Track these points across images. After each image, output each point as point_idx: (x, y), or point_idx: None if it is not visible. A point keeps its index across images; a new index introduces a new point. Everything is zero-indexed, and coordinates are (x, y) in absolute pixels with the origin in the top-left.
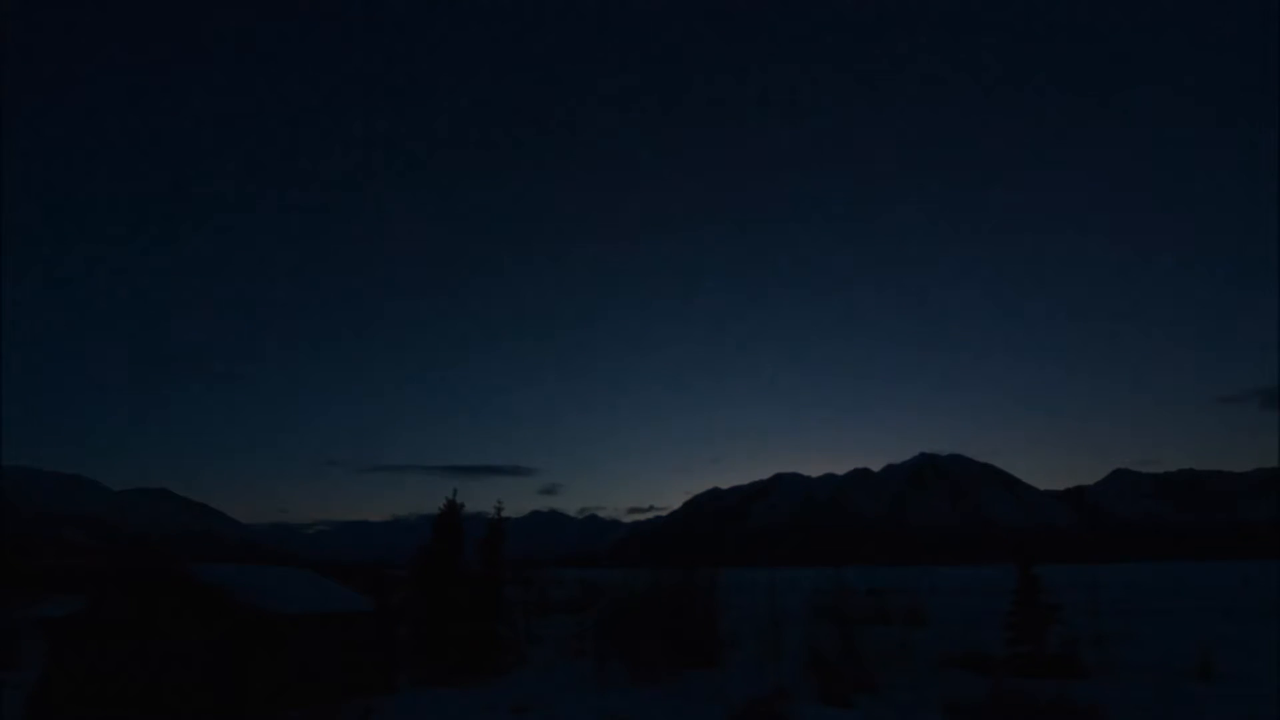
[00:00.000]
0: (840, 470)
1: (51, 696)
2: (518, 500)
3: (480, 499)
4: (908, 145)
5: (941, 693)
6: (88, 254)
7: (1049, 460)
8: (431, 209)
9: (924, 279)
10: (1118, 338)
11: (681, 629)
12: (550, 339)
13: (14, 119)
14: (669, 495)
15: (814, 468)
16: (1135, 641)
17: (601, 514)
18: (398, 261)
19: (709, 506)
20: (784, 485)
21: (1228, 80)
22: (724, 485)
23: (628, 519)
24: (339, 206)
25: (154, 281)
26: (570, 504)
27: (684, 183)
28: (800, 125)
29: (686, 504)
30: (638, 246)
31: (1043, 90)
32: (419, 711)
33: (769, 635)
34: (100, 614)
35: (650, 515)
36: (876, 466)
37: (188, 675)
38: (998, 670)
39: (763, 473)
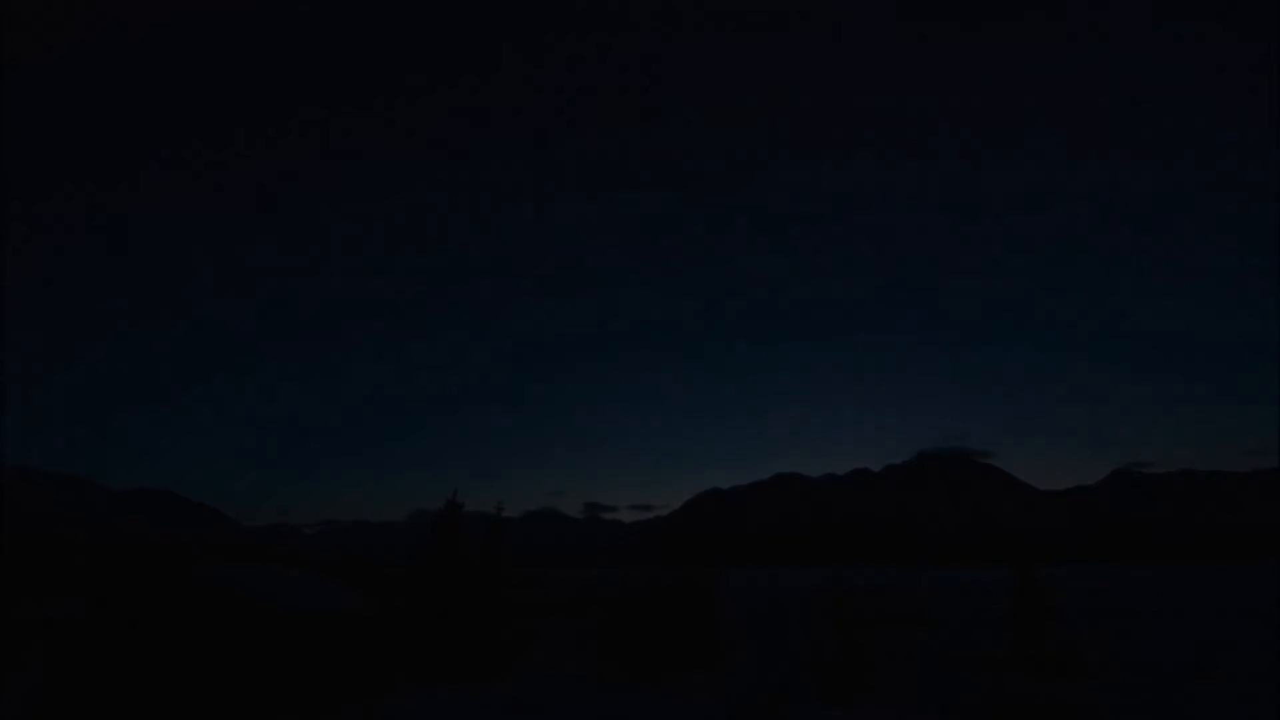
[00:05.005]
0: (840, 470)
1: (52, 698)
2: (519, 500)
3: (481, 499)
4: (908, 146)
5: (941, 693)
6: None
7: (1049, 460)
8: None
9: (924, 281)
10: (1117, 339)
11: (682, 629)
12: (552, 341)
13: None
14: (669, 495)
15: (814, 468)
16: (1135, 641)
17: (602, 514)
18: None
19: (709, 506)
20: (784, 485)
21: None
22: (724, 485)
23: (629, 519)
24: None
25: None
26: (571, 503)
27: (685, 189)
28: (800, 127)
29: (686, 504)
30: (639, 251)
31: (1046, 90)
32: (419, 711)
33: (769, 635)
34: (101, 615)
35: (651, 515)
36: (876, 466)
37: (188, 676)
38: (998, 670)
39: (763, 473)
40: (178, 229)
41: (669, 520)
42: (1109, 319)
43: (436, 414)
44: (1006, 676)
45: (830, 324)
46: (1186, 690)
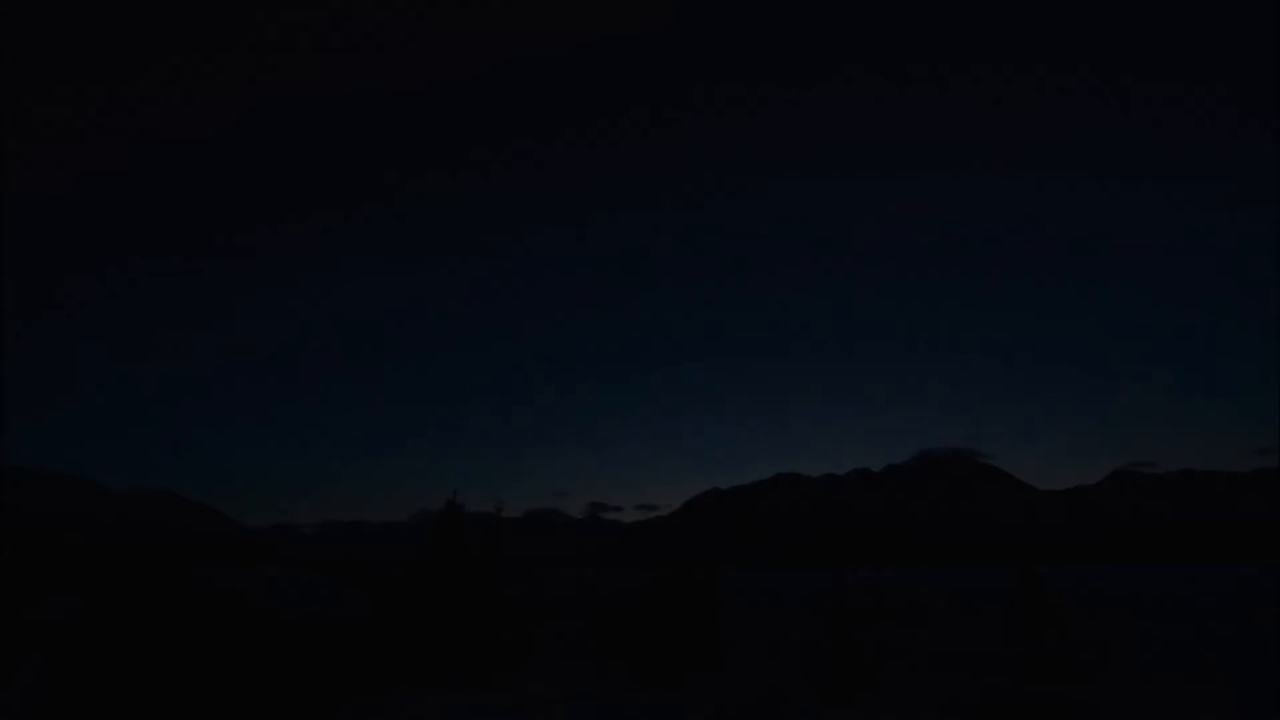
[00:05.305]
0: (840, 470)
1: (52, 698)
2: (524, 500)
3: (487, 500)
4: (910, 146)
5: (941, 693)
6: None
7: (1049, 460)
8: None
9: (925, 280)
10: (1118, 339)
11: (681, 629)
12: (556, 345)
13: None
14: (669, 495)
15: (814, 468)
16: (1135, 641)
17: (602, 514)
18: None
19: (709, 506)
20: (784, 485)
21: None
22: (724, 485)
23: (629, 519)
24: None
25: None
26: (576, 504)
27: (683, 190)
28: (797, 124)
29: (686, 504)
30: (641, 255)
31: (1048, 91)
32: (418, 712)
33: (769, 635)
34: (100, 616)
35: (651, 515)
36: (876, 466)
37: (188, 676)
38: (998, 670)
39: (763, 473)
40: (178, 231)
41: (669, 520)
42: (1109, 319)
43: (440, 415)
44: (1006, 676)
45: (831, 325)
46: (1186, 690)
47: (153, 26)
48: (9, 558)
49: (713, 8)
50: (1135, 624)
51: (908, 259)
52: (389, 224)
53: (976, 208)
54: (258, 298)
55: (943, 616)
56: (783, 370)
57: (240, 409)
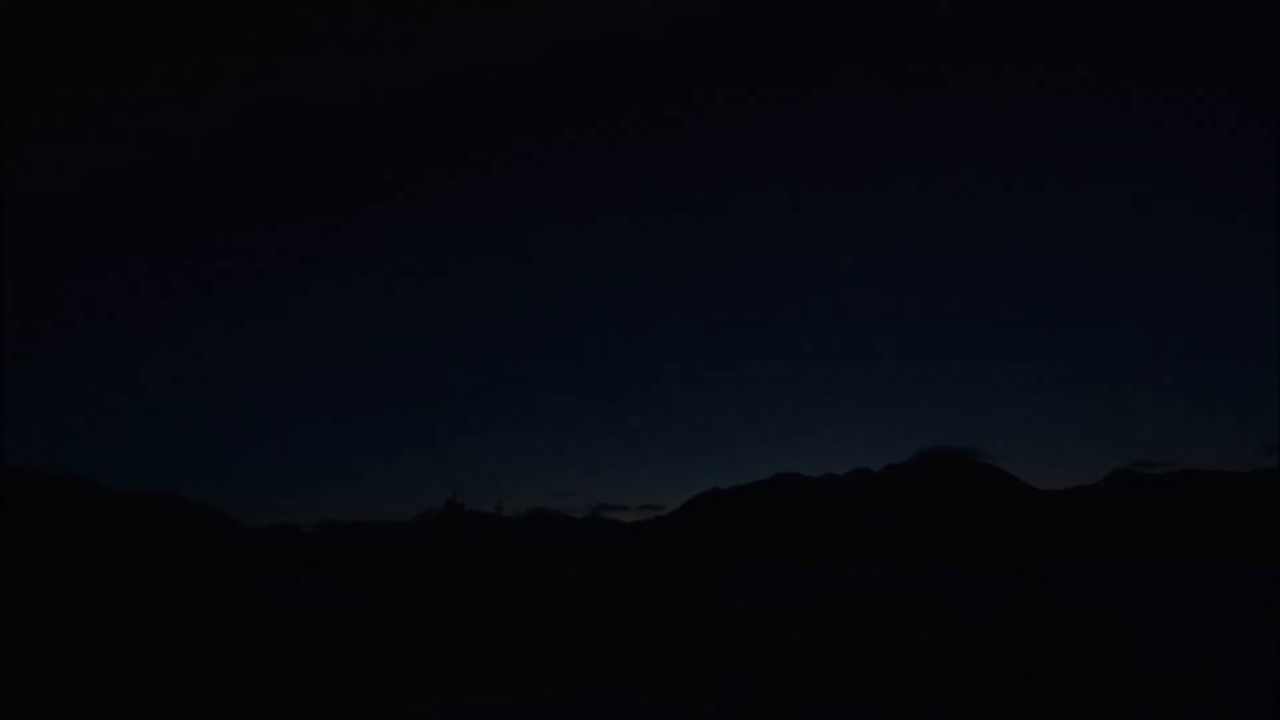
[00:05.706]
0: (840, 470)
1: (52, 698)
2: (526, 501)
3: (489, 500)
4: (911, 146)
5: (941, 692)
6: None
7: (1049, 460)
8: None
9: (926, 280)
10: (1118, 339)
11: (681, 628)
12: (557, 345)
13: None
14: (669, 495)
15: (814, 468)
16: (1135, 641)
17: (603, 514)
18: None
19: (709, 506)
20: (784, 485)
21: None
22: (724, 485)
23: (629, 519)
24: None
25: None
26: (578, 504)
27: (684, 190)
28: (797, 124)
29: (686, 504)
30: (643, 256)
31: (1048, 91)
32: (418, 712)
33: (769, 635)
34: (100, 615)
35: (651, 515)
36: (876, 466)
37: (188, 676)
38: (997, 670)
39: (763, 473)
40: (179, 231)
41: (669, 520)
42: (1109, 319)
43: (440, 415)
44: (1006, 676)
45: (831, 325)
46: (1186, 690)
47: (153, 26)
48: (9, 558)
49: (713, 7)
50: (1135, 624)
51: (908, 259)
52: (389, 224)
53: (976, 208)
54: (258, 298)
55: (943, 616)
56: (783, 370)
57: (240, 409)
